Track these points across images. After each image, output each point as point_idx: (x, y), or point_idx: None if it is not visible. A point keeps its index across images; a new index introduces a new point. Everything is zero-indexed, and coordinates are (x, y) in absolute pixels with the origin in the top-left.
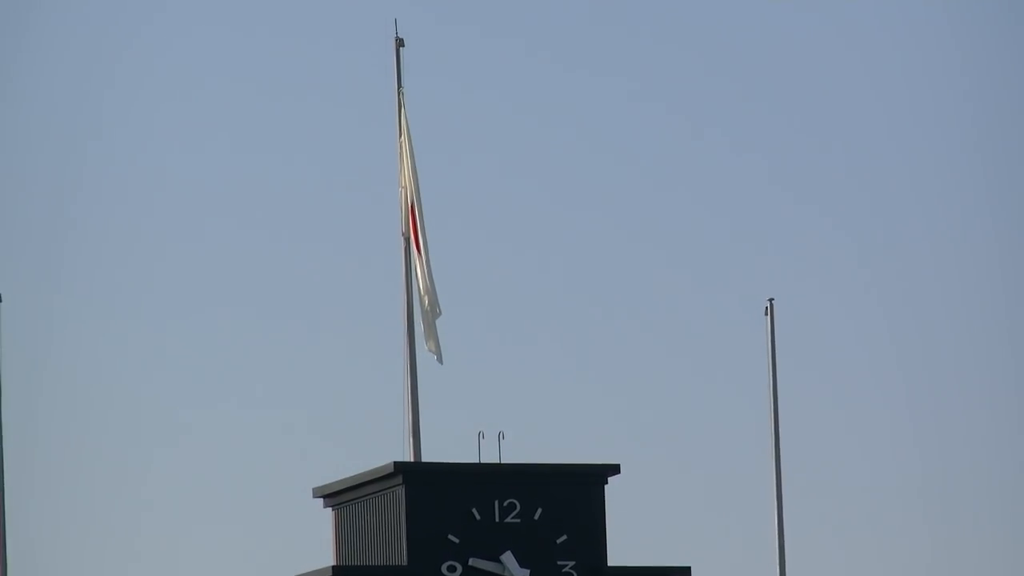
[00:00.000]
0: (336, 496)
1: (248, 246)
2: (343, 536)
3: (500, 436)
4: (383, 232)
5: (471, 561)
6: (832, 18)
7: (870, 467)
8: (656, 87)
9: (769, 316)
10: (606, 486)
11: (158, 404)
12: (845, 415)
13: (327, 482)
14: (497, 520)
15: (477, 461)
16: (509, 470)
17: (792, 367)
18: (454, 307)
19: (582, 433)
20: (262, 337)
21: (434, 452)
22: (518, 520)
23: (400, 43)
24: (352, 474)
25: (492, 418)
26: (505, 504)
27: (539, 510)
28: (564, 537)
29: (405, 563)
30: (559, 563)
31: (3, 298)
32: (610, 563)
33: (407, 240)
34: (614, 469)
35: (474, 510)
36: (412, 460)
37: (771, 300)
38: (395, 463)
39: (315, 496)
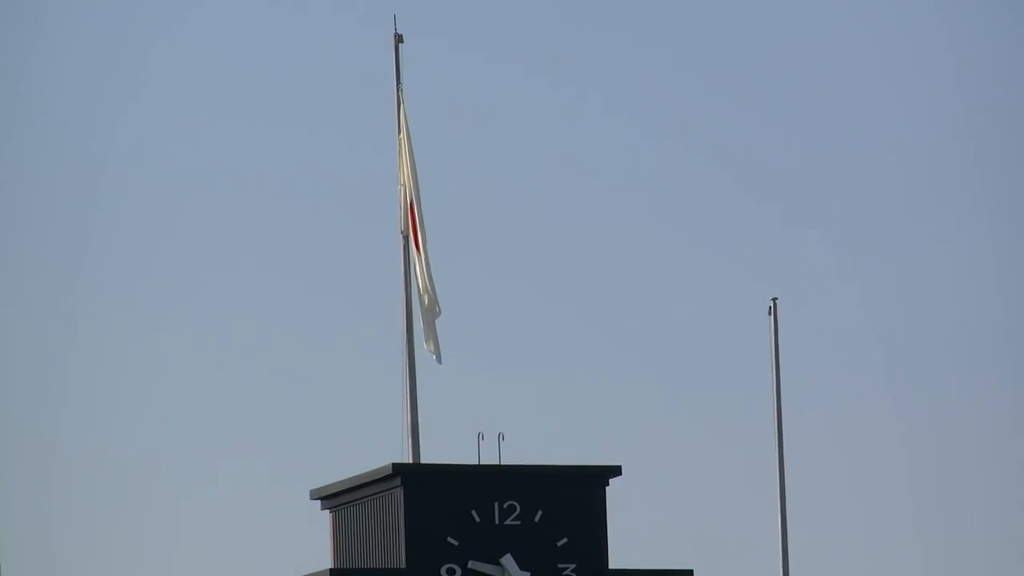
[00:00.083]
0: (334, 498)
1: (245, 244)
2: (341, 538)
3: (500, 437)
4: (382, 230)
5: (470, 564)
6: (833, 17)
7: (874, 468)
8: (658, 86)
9: (773, 316)
10: (607, 488)
11: (154, 404)
12: (849, 416)
13: (325, 484)
14: (497, 522)
15: (477, 462)
16: (509, 471)
17: (796, 367)
18: (454, 306)
19: (583, 434)
20: (259, 336)
21: (433, 453)
22: (518, 522)
23: (399, 39)
24: (350, 475)
25: (492, 419)
26: (505, 506)
27: (539, 512)
28: (565, 539)
29: (404, 566)
30: (560, 566)
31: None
32: (611, 566)
33: (406, 238)
34: (615, 470)
35: (473, 512)
36: (411, 461)
37: (775, 300)
38: (393, 464)
39: (313, 498)
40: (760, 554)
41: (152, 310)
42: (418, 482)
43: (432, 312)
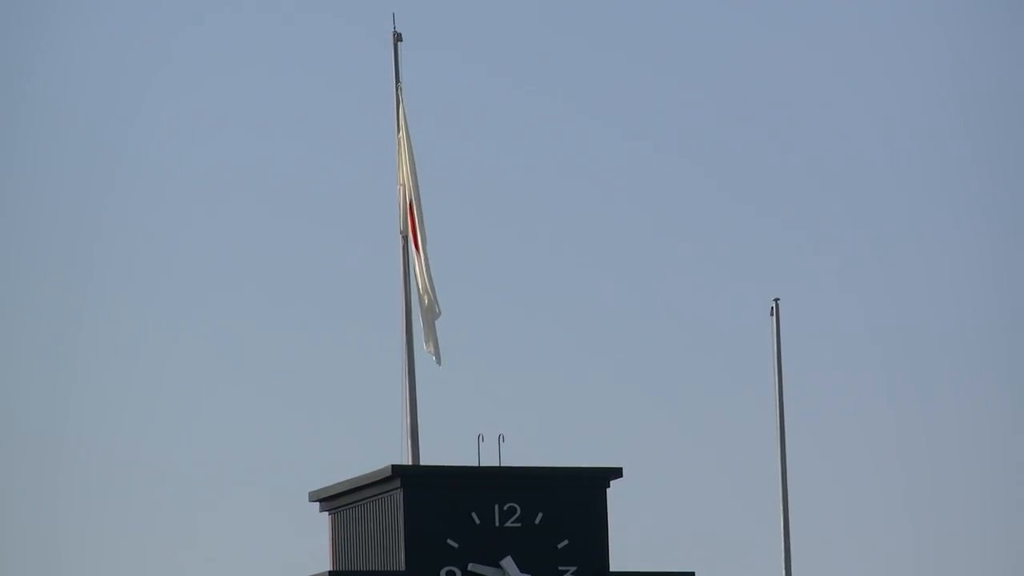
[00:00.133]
0: (333, 500)
1: (243, 244)
2: (340, 541)
3: (500, 439)
4: (381, 230)
5: (470, 566)
6: (833, 17)
7: (878, 469)
8: (659, 85)
9: (775, 316)
10: (608, 489)
11: (152, 407)
12: (852, 416)
13: (324, 486)
14: (497, 524)
15: (477, 464)
16: (509, 473)
17: (798, 368)
18: (453, 307)
19: (584, 435)
20: (257, 337)
21: (433, 455)
22: (518, 524)
23: (398, 38)
24: (349, 477)
25: (492, 420)
26: (505, 508)
27: (540, 514)
28: (565, 542)
29: (403, 568)
30: (560, 568)
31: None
32: (612, 568)
33: (405, 238)
34: (616, 472)
35: (473, 514)
36: (410, 463)
37: (777, 300)
38: (393, 466)
39: (312, 500)
40: (762, 556)
41: (149, 312)
42: (418, 484)
43: (432, 313)
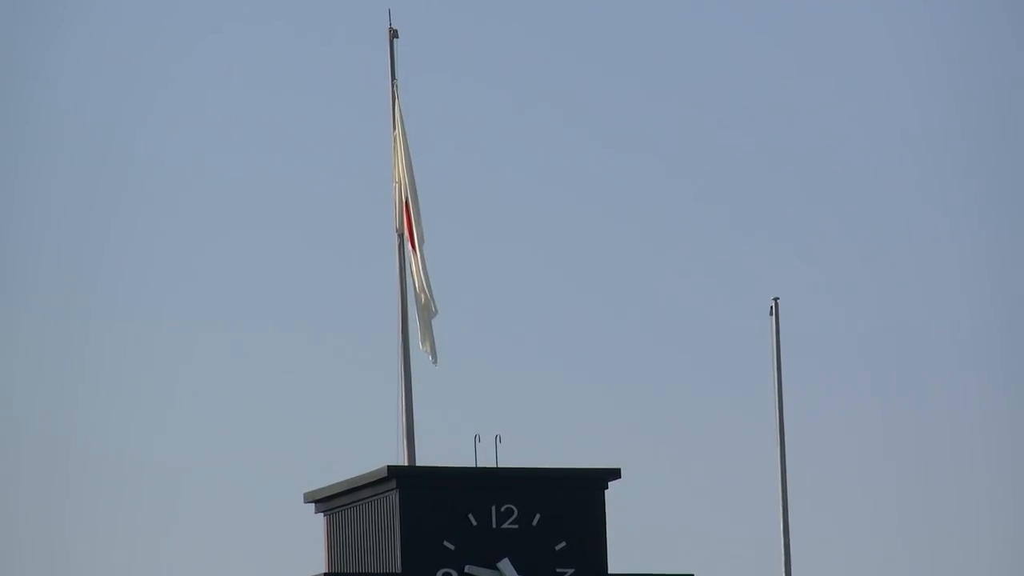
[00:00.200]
0: (328, 501)
1: (238, 244)
2: (335, 542)
3: (497, 439)
4: (377, 228)
5: (467, 568)
6: (832, 18)
7: (877, 469)
8: (660, 84)
9: (774, 316)
10: (606, 491)
11: (147, 404)
12: (851, 416)
13: (319, 487)
14: (494, 526)
15: (473, 465)
16: (506, 474)
17: (797, 368)
18: (450, 306)
19: (582, 436)
20: (253, 337)
21: (429, 456)
22: (516, 526)
23: (394, 34)
24: (344, 478)
25: (489, 421)
26: (502, 509)
27: (537, 516)
28: (563, 543)
29: (399, 570)
30: (558, 570)
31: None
32: (611, 570)
33: (401, 237)
34: (615, 473)
35: (470, 516)
36: (406, 464)
37: (776, 299)
38: (389, 467)
39: (306, 501)
40: (762, 557)
41: (140, 310)
42: (414, 485)
43: (428, 312)
